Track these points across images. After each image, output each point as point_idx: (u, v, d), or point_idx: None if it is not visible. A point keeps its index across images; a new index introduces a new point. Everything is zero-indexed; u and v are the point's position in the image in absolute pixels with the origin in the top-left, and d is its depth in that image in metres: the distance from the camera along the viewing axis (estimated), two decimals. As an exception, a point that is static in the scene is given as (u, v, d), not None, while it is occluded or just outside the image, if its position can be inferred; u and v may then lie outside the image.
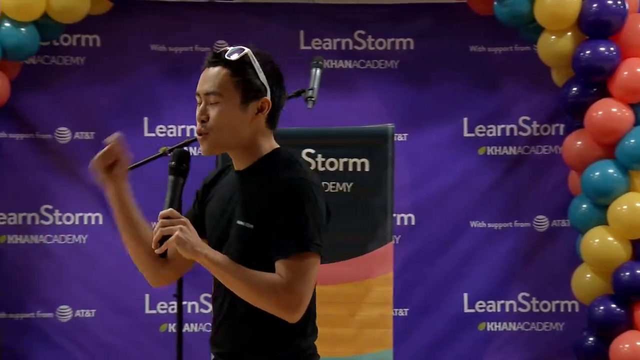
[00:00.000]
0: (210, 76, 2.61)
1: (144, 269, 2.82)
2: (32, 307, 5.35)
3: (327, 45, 5.47)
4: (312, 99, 4.28)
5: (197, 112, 2.61)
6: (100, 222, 5.39)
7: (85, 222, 5.39)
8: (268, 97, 2.67)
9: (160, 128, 5.43)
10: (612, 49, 4.93)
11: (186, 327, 5.17)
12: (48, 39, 5.27)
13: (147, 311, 5.36)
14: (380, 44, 5.47)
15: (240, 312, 2.61)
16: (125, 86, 5.42)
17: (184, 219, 2.51)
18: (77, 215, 5.39)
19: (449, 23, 5.44)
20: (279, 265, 2.54)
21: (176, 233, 2.47)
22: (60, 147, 5.39)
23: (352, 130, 4.47)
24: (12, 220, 5.40)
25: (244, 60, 2.62)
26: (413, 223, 5.39)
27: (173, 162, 2.57)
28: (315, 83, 4.31)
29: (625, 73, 4.92)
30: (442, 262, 5.38)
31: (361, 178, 4.27)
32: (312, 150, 4.34)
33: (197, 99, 2.63)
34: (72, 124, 5.41)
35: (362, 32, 5.46)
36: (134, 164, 4.38)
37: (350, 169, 4.31)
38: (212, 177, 2.76)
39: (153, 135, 5.42)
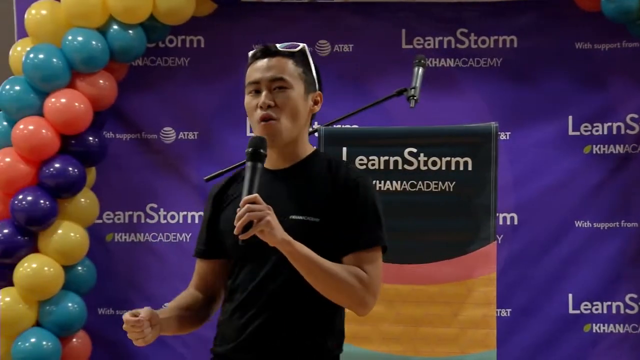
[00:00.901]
0: (273, 65, 2.64)
1: (197, 324, 2.81)
2: (138, 304, 5.43)
3: (428, 44, 5.44)
4: (415, 97, 4.26)
5: (263, 98, 2.60)
6: (203, 220, 5.45)
7: (189, 221, 5.47)
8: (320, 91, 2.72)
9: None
10: None
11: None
12: (154, 40, 5.36)
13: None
14: (483, 42, 5.42)
15: (286, 322, 2.60)
16: (228, 87, 5.47)
17: (268, 205, 2.45)
18: (181, 213, 5.48)
19: (554, 20, 5.35)
20: (357, 258, 2.58)
21: (266, 218, 2.42)
22: (165, 147, 5.49)
23: (455, 129, 4.42)
24: (118, 219, 5.51)
25: (303, 52, 2.69)
26: (516, 223, 5.32)
27: (250, 149, 2.55)
28: (417, 82, 4.29)
29: None
30: (546, 262, 5.30)
31: (464, 177, 4.23)
32: (414, 150, 4.31)
33: (252, 88, 2.64)
34: (177, 124, 5.50)
35: (465, 30, 5.42)
36: (237, 164, 4.44)
37: (453, 168, 4.27)
38: (220, 187, 2.75)
39: (253, 135, 5.45)
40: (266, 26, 5.47)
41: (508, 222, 5.32)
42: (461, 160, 4.26)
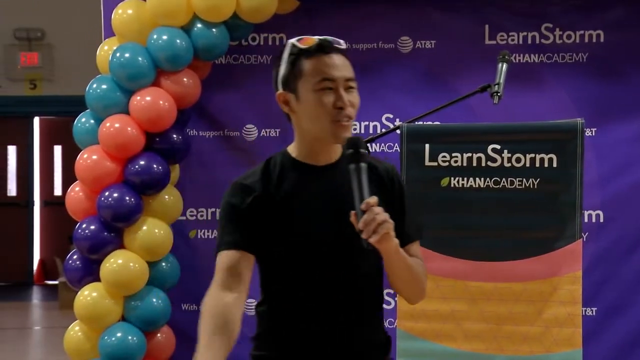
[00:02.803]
0: (344, 64, 2.59)
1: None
2: (221, 300, 5.49)
3: (512, 40, 5.38)
4: (499, 94, 4.23)
5: (345, 99, 2.55)
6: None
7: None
8: None
9: (344, 125, 5.46)
10: None
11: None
12: (237, 38, 5.40)
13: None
14: (569, 36, 5.34)
15: (362, 325, 2.61)
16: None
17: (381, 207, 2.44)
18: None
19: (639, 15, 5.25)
20: (413, 248, 2.64)
21: (389, 222, 2.41)
22: (247, 144, 5.52)
23: (540, 126, 4.37)
24: (202, 216, 5.56)
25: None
26: (602, 220, 5.23)
27: (351, 150, 2.51)
28: (501, 78, 4.26)
29: None
30: (632, 260, 5.20)
31: (549, 174, 4.18)
32: (497, 146, 4.28)
33: (328, 85, 2.55)
34: (259, 122, 5.53)
35: (549, 25, 5.34)
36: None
37: (537, 164, 4.22)
38: (256, 184, 2.63)
39: (337, 132, 5.46)
40: (348, 23, 5.47)
41: (594, 220, 5.23)
42: (546, 157, 4.22)
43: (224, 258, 2.60)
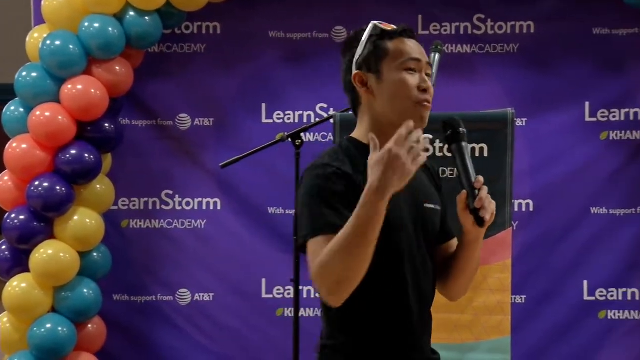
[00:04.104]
0: (421, 49, 2.56)
1: None
2: (153, 290, 5.47)
3: (445, 30, 5.42)
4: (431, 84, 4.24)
5: (428, 81, 2.52)
6: (219, 207, 5.46)
7: (204, 207, 5.47)
8: None
9: (278, 114, 5.46)
10: None
11: (302, 312, 5.20)
12: (171, 27, 5.35)
13: (264, 295, 5.41)
14: (500, 27, 5.39)
15: (431, 317, 2.62)
16: (243, 73, 5.47)
17: None
18: (197, 200, 5.48)
19: (571, 5, 5.31)
20: (453, 244, 2.63)
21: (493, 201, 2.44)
22: (180, 133, 5.48)
23: (471, 115, 4.41)
24: (134, 205, 5.52)
25: None
26: (532, 209, 5.30)
27: (449, 131, 2.50)
28: (433, 68, 4.28)
29: None
30: (561, 249, 5.28)
31: (480, 163, 4.19)
32: (430, 136, 4.30)
33: (413, 65, 2.51)
34: (193, 111, 5.50)
35: (482, 16, 5.39)
36: (252, 150, 4.44)
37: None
38: (348, 168, 2.47)
39: (271, 121, 5.46)
40: (282, 12, 5.46)
41: (524, 209, 5.30)
42: (477, 147, 4.25)
43: (325, 240, 2.36)
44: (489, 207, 2.41)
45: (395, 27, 2.56)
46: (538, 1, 5.34)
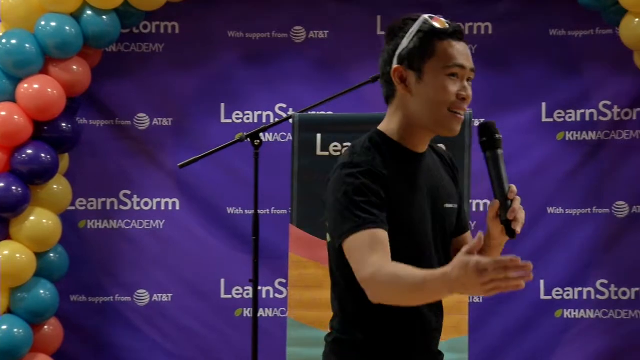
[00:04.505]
0: (469, 54, 2.44)
1: None
2: (111, 291, 5.44)
3: (404, 31, 5.43)
4: (389, 84, 4.26)
5: (468, 91, 2.41)
6: (177, 207, 5.44)
7: (163, 208, 5.45)
8: None
9: (237, 114, 5.46)
10: (697, 31, 4.82)
11: (261, 312, 5.20)
12: (128, 26, 5.33)
13: (223, 296, 5.41)
14: (458, 28, 5.41)
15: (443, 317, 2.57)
16: (202, 73, 5.46)
17: None
18: (155, 200, 5.46)
19: (529, 6, 5.35)
20: (465, 238, 2.56)
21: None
22: (139, 133, 5.46)
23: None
24: (92, 206, 5.48)
25: None
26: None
27: (485, 138, 2.40)
28: (391, 68, 4.28)
29: None
30: (518, 248, 5.31)
31: (437, 164, 4.24)
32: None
33: (456, 71, 2.40)
34: (151, 111, 5.48)
35: (440, 16, 5.40)
36: (211, 150, 4.42)
37: (427, 154, 4.27)
38: (380, 165, 2.39)
39: (230, 121, 5.46)
40: (242, 12, 5.46)
41: (482, 209, 5.33)
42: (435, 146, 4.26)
43: (368, 236, 2.31)
44: (521, 219, 2.35)
45: (447, 24, 2.44)
46: (496, 3, 5.38)
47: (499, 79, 5.37)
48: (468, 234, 2.60)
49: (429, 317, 2.46)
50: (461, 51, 2.41)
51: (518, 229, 2.31)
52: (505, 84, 5.37)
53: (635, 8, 4.91)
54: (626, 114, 5.35)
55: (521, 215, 2.33)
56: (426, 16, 2.46)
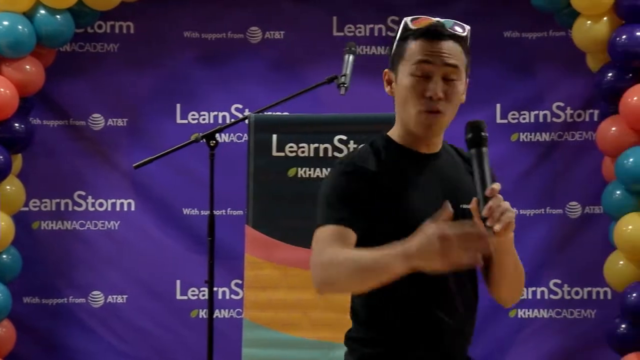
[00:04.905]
0: (449, 51, 2.38)
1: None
2: (65, 293, 5.40)
3: (360, 32, 5.46)
4: (345, 85, 4.27)
5: (439, 89, 2.36)
6: (133, 208, 5.42)
7: (118, 209, 5.42)
8: None
9: (193, 115, 5.44)
10: (648, 34, 4.88)
11: (217, 313, 5.19)
12: (83, 26, 5.29)
13: (178, 297, 5.39)
14: (413, 29, 5.44)
15: (473, 319, 2.51)
16: (158, 73, 5.44)
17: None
18: (110, 201, 5.43)
19: (483, 8, 5.39)
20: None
21: (512, 211, 2.27)
22: (93, 133, 5.43)
23: (384, 117, 4.43)
24: (45, 207, 5.44)
25: (468, 37, 2.45)
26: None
27: (470, 134, 2.34)
28: (347, 69, 4.30)
29: (661, 58, 4.88)
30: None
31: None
32: (344, 137, 4.33)
33: (424, 71, 2.37)
34: (106, 111, 5.44)
35: (396, 18, 5.44)
36: (166, 151, 4.41)
37: (382, 154, 4.29)
38: (370, 166, 2.41)
39: (185, 122, 5.44)
40: (197, 12, 5.44)
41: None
42: (390, 148, 4.28)
43: (333, 231, 2.35)
44: (500, 218, 2.23)
45: (429, 22, 2.41)
46: (450, 4, 5.41)
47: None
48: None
49: (439, 316, 2.42)
50: (433, 49, 2.37)
51: (496, 226, 2.23)
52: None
53: (588, 10, 4.97)
54: (579, 116, 5.41)
55: (500, 213, 2.23)
56: (408, 18, 2.46)
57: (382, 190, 2.38)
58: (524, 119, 5.41)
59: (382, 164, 2.40)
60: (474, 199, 2.28)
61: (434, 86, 2.36)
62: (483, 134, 2.35)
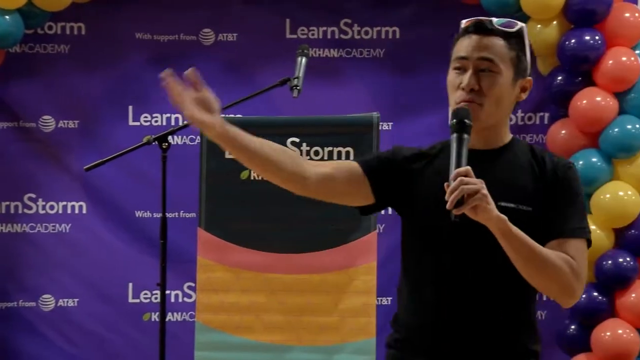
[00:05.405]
0: (485, 44, 2.46)
1: (284, 182, 2.54)
2: (15, 296, 5.34)
3: (313, 34, 5.46)
4: (298, 87, 4.27)
5: (466, 79, 2.45)
6: (84, 211, 5.37)
7: (69, 211, 5.37)
8: (530, 77, 2.54)
9: (145, 117, 5.41)
10: (597, 37, 4.93)
11: (169, 316, 5.16)
12: (33, 27, 5.24)
13: (131, 300, 5.35)
14: (366, 32, 5.46)
15: (493, 318, 2.46)
16: (110, 75, 5.40)
17: (480, 179, 2.29)
18: (61, 204, 5.38)
19: (435, 11, 5.42)
20: (563, 244, 2.42)
21: (482, 191, 2.26)
22: (44, 135, 5.37)
23: (337, 119, 4.47)
24: (-5, 209, 5.38)
25: (520, 34, 2.50)
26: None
27: (454, 120, 2.40)
28: (300, 72, 4.31)
29: (610, 62, 4.93)
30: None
31: (346, 167, 4.27)
32: (296, 139, 4.34)
33: (458, 64, 2.48)
34: (56, 113, 5.39)
35: (348, 20, 5.45)
36: (118, 153, 4.38)
37: (335, 157, 4.31)
38: (407, 154, 2.58)
39: (138, 124, 5.41)
40: (149, 14, 5.41)
41: (390, 212, 5.34)
42: (343, 150, 4.31)
43: (350, 162, 2.60)
44: (454, 200, 2.25)
45: (473, 21, 2.52)
46: (403, 7, 5.44)
47: (406, 83, 5.43)
48: (559, 243, 2.44)
49: (441, 320, 2.47)
50: (467, 44, 2.48)
51: (454, 210, 2.26)
52: (412, 88, 5.42)
53: (537, 14, 5.01)
54: (529, 119, 5.46)
55: (454, 196, 2.25)
56: (463, 21, 2.56)
57: (403, 174, 2.54)
58: (474, 121, 5.44)
59: (419, 161, 2.56)
60: (445, 184, 2.30)
61: (466, 78, 2.45)
62: (466, 121, 2.39)
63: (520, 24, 2.50)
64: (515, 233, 2.34)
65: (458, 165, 2.31)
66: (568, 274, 2.40)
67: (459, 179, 2.26)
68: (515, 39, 2.49)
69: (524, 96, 2.54)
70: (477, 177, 2.35)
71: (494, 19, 2.50)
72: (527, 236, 2.36)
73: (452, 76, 2.50)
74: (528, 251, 2.35)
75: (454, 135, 2.38)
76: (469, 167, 2.29)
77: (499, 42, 2.47)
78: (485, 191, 2.27)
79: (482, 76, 2.45)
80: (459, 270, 2.45)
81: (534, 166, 2.49)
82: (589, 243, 2.49)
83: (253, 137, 2.47)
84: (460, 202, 2.25)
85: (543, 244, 2.42)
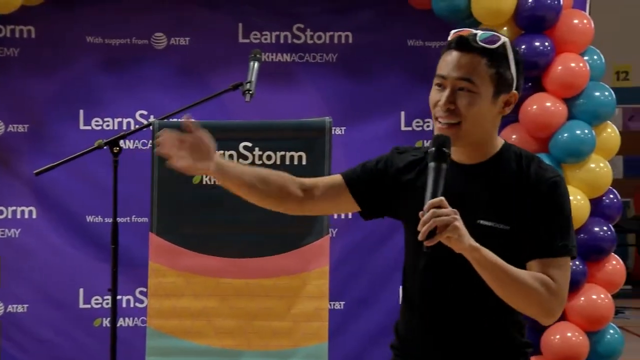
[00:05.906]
0: (464, 62, 2.45)
1: (270, 204, 2.70)
2: (-36, 303, 5.28)
3: (265, 39, 5.46)
4: (250, 92, 4.28)
5: (443, 98, 2.46)
6: (34, 215, 5.32)
7: (18, 216, 5.32)
8: (516, 90, 2.53)
9: (97, 121, 5.38)
10: (546, 43, 4.98)
11: (120, 322, 5.13)
12: (-19, 29, 5.19)
13: (81, 305, 5.31)
14: (319, 37, 5.48)
15: (478, 329, 2.51)
16: (60, 78, 5.35)
17: (454, 210, 2.30)
18: (10, 208, 5.32)
19: (388, 17, 5.45)
20: (544, 264, 2.43)
21: (454, 224, 2.27)
22: (-7, 140, 5.32)
23: (289, 124, 4.47)
24: (-58, 215, 5.32)
25: (501, 50, 2.49)
26: (350, 216, 5.40)
27: (433, 148, 2.39)
28: (253, 76, 4.31)
29: (560, 68, 4.98)
30: (379, 255, 5.40)
31: (298, 171, 4.21)
32: (249, 144, 4.34)
33: (439, 81, 2.49)
34: (6, 117, 5.34)
35: (301, 25, 5.46)
36: (69, 157, 4.34)
37: (287, 162, 4.31)
38: (403, 163, 2.63)
39: (89, 128, 5.37)
40: (101, 17, 5.38)
41: (342, 216, 5.39)
42: (295, 155, 4.31)
43: (332, 176, 2.74)
44: (426, 232, 2.28)
45: (456, 36, 2.51)
46: (356, 12, 5.46)
47: (360, 87, 5.45)
48: (536, 263, 2.45)
49: (422, 329, 2.59)
50: (448, 61, 2.48)
51: (425, 242, 2.29)
52: (366, 92, 5.45)
53: (488, 20, 5.05)
54: (481, 123, 5.50)
55: (424, 228, 2.27)
56: (452, 31, 2.55)
57: (392, 183, 2.61)
58: (428, 126, 5.48)
59: (414, 169, 2.59)
60: (420, 213, 2.31)
61: (443, 96, 2.46)
62: (446, 150, 2.40)
63: (503, 39, 2.49)
64: (489, 259, 2.37)
65: (434, 195, 2.32)
66: (544, 294, 2.41)
67: (432, 210, 2.28)
68: (497, 55, 2.48)
69: (507, 110, 2.53)
70: (459, 192, 2.41)
71: (479, 33, 2.50)
72: (502, 261, 2.38)
73: (433, 92, 2.52)
74: (503, 276, 2.38)
75: (432, 164, 2.38)
76: (442, 198, 2.30)
77: (479, 60, 2.46)
78: (457, 222, 2.29)
79: (460, 95, 2.46)
80: (441, 285, 2.54)
81: (519, 179, 2.49)
82: (573, 257, 2.50)
83: (245, 169, 2.64)
84: (432, 233, 2.28)
85: (523, 262, 2.45)
